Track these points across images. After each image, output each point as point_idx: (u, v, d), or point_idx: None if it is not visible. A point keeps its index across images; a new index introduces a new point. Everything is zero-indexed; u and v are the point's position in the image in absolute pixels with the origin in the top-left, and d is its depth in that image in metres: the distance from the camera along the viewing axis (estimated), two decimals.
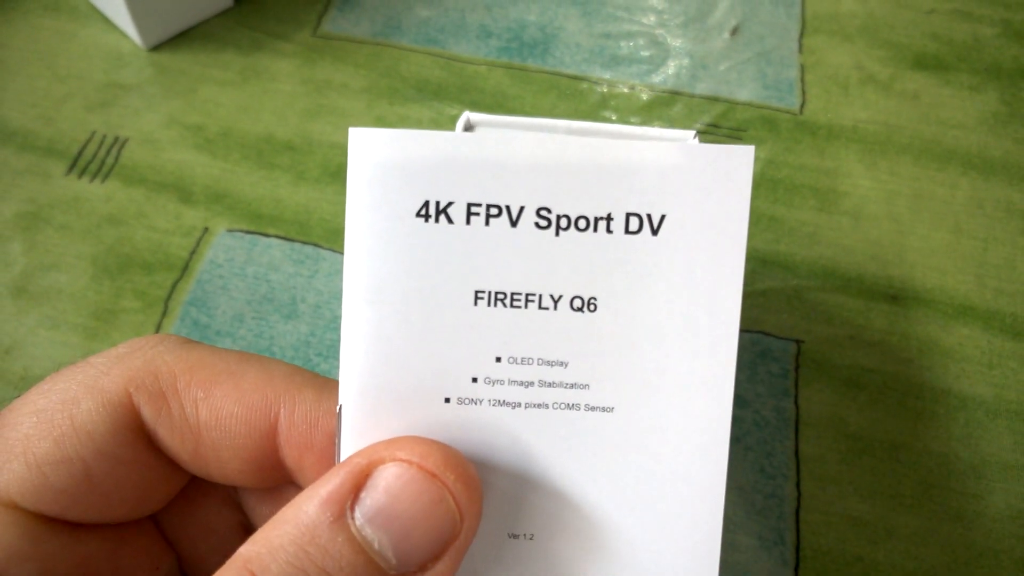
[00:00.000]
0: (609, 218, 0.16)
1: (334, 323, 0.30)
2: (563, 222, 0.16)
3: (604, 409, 0.16)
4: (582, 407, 0.16)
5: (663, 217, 0.16)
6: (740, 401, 0.28)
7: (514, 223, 0.16)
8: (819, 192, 0.33)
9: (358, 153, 0.16)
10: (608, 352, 0.16)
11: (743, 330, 0.30)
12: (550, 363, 0.16)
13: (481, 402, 0.16)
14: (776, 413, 0.28)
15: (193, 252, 0.32)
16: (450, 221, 0.16)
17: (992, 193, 0.33)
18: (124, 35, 0.38)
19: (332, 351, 0.29)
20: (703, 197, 0.16)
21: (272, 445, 0.17)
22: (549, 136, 0.16)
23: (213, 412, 0.17)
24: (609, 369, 0.16)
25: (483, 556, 0.16)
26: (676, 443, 0.16)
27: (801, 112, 0.35)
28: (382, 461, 0.14)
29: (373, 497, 0.14)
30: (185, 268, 0.31)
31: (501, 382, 0.16)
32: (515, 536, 0.16)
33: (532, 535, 0.16)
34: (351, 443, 0.16)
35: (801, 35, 0.38)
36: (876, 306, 0.30)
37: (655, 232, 0.16)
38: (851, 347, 0.29)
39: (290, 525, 0.14)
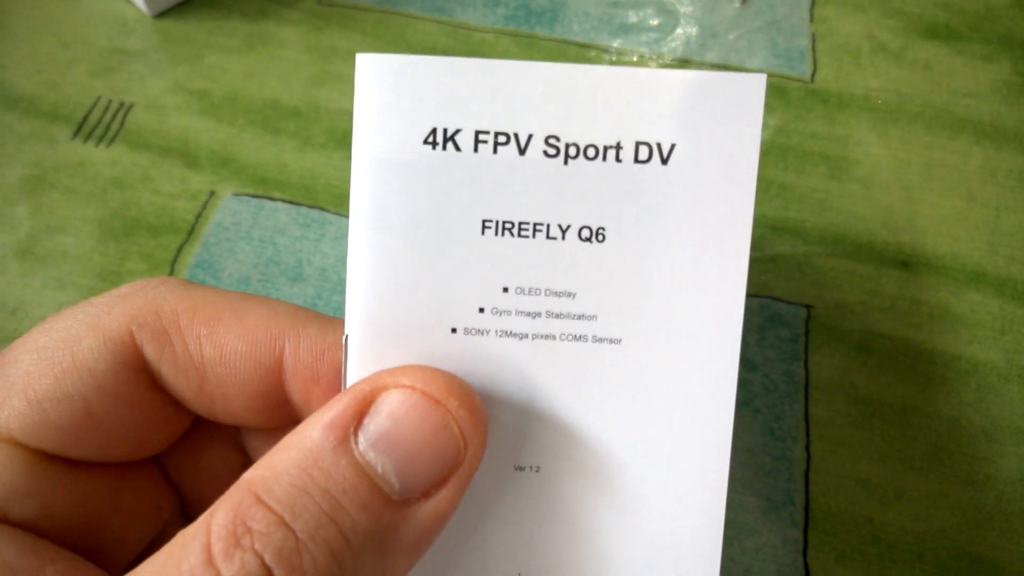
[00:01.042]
0: (618, 147, 0.15)
1: (340, 286, 0.30)
2: (572, 151, 0.15)
3: (612, 341, 0.16)
4: (589, 338, 0.16)
5: (673, 146, 0.15)
6: (749, 365, 0.28)
7: (522, 151, 0.15)
8: (830, 160, 0.33)
9: (365, 79, 0.15)
10: (616, 283, 0.16)
11: (751, 294, 0.29)
12: (557, 294, 0.16)
13: (488, 332, 0.16)
14: (786, 377, 0.28)
15: (199, 215, 0.31)
16: (457, 149, 0.15)
17: (1005, 162, 0.33)
18: (129, 2, 0.38)
19: (339, 314, 0.29)
20: (714, 126, 0.15)
21: (278, 381, 0.17)
22: (559, 64, 0.16)
23: (217, 349, 0.16)
24: (617, 300, 0.16)
25: (489, 487, 0.16)
26: (684, 377, 0.16)
27: (812, 80, 0.35)
28: (386, 387, 0.14)
29: (376, 422, 0.14)
30: (191, 231, 0.31)
31: (508, 312, 0.16)
32: (521, 468, 0.16)
33: (538, 467, 0.16)
34: (357, 372, 0.16)
35: (812, 4, 0.38)
36: (887, 272, 0.30)
37: (665, 162, 0.15)
38: (861, 312, 0.29)
39: (294, 450, 0.14)
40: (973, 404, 0.27)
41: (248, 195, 0.32)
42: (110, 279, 0.30)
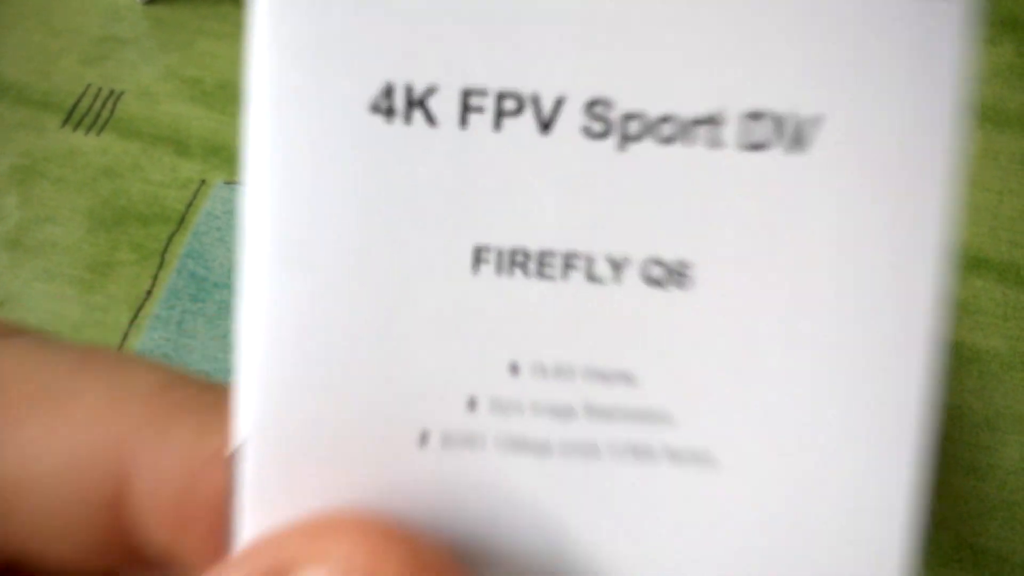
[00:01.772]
0: (716, 120, 0.09)
1: None
2: (633, 127, 0.09)
3: (700, 459, 0.09)
4: (661, 454, 0.09)
5: (818, 119, 0.09)
6: None
7: (546, 126, 0.09)
8: None
9: (269, 9, 0.09)
10: (710, 358, 0.09)
11: None
12: (606, 376, 0.10)
13: (483, 443, 0.09)
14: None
15: (190, 204, 0.31)
16: (431, 120, 0.09)
17: (1007, 145, 0.32)
18: None
19: None
20: (888, 85, 0.09)
21: (120, 514, 0.10)
22: None
23: (18, 461, 0.10)
24: (711, 388, 0.09)
25: None
26: (831, 524, 0.09)
27: None
28: (296, 566, 0.08)
29: None
30: (181, 221, 0.31)
31: (518, 408, 0.09)
32: None
33: None
34: (256, 514, 0.09)
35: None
36: None
37: (801, 146, 0.09)
38: None
39: None
40: (975, 392, 0.27)
41: (239, 183, 0.32)
42: (100, 270, 0.30)
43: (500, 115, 0.09)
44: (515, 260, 0.09)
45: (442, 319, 0.09)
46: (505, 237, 0.09)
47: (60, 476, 0.10)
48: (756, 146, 0.09)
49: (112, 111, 0.34)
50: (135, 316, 0.29)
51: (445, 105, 0.09)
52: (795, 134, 0.09)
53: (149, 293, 0.30)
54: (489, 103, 0.09)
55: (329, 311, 0.09)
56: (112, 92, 0.34)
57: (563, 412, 0.10)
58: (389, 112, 0.09)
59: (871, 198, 0.09)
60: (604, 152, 0.09)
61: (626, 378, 0.10)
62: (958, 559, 0.24)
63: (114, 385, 0.10)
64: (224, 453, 0.10)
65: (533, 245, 0.09)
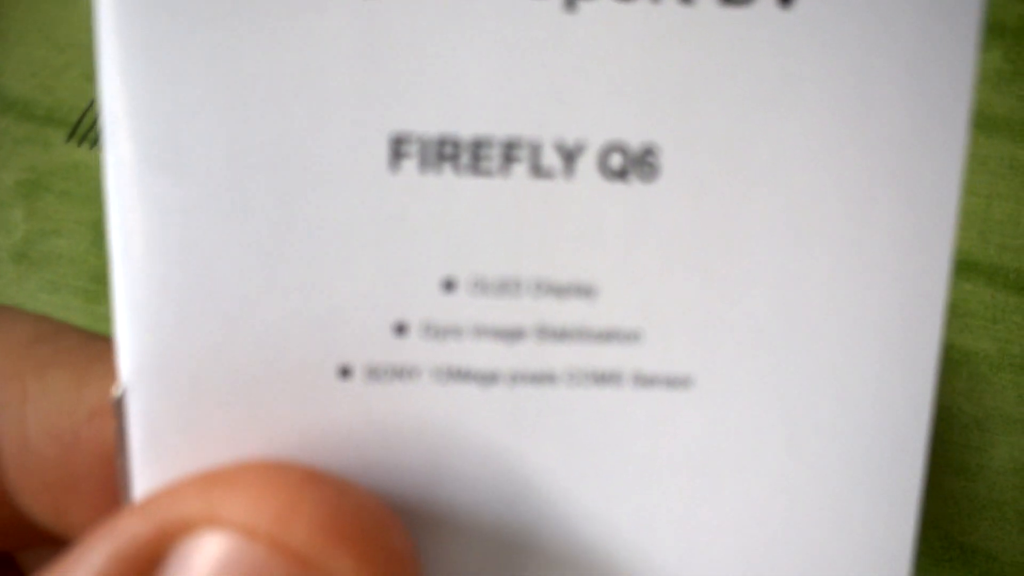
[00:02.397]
0: None
1: None
2: None
3: (672, 382, 0.08)
4: (627, 378, 0.08)
5: None
6: None
7: None
8: None
9: None
10: (680, 264, 0.08)
11: None
12: (559, 289, 0.08)
13: (416, 374, 0.08)
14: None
15: None
16: None
17: (996, 150, 0.33)
18: None
19: None
20: None
21: None
22: None
23: None
24: (682, 300, 0.08)
25: None
26: (818, 451, 0.08)
27: None
28: (187, 528, 0.07)
29: None
30: None
31: (458, 332, 0.08)
32: None
33: None
34: (146, 469, 0.08)
35: None
36: None
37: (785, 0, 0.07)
38: None
39: None
40: (964, 394, 0.27)
41: None
42: (103, 281, 0.30)
43: None
44: (443, 152, 0.08)
45: (355, 229, 0.08)
46: (429, 123, 0.08)
47: None
48: (737, 0, 0.07)
49: None
50: None
51: None
52: None
53: None
54: None
55: (215, 223, 0.08)
56: None
57: (510, 334, 0.08)
58: None
59: (876, 68, 0.08)
60: (549, 10, 0.07)
61: (584, 292, 0.08)
62: (948, 558, 0.25)
63: None
64: (106, 405, 0.08)
65: (464, 132, 0.08)
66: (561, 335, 0.08)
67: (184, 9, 0.07)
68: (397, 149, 0.07)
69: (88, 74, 0.35)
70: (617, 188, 0.08)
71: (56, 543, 0.09)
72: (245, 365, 0.08)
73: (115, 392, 0.08)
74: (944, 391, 0.27)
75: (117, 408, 0.08)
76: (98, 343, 0.09)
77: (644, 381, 0.08)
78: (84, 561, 0.07)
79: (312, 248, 0.08)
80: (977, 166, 0.32)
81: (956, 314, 0.29)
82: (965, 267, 0.30)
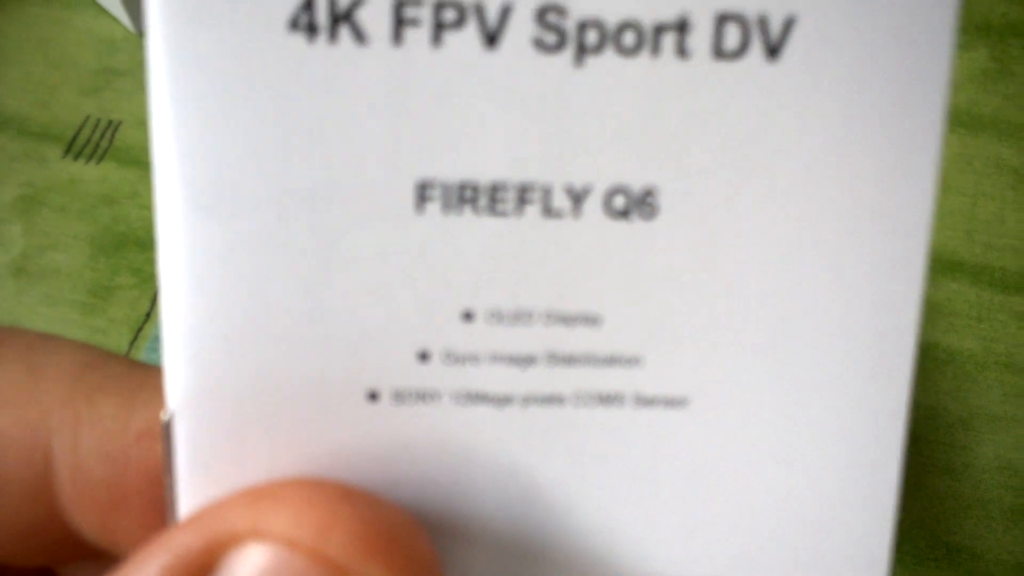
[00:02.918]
0: (682, 27, 0.08)
1: None
2: (590, 37, 0.08)
3: (670, 403, 0.09)
4: (629, 399, 0.09)
5: (790, 22, 0.08)
6: None
7: (492, 39, 0.08)
8: None
9: None
10: (679, 293, 0.09)
11: None
12: (568, 319, 0.09)
13: (438, 397, 0.09)
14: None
15: None
16: (360, 37, 0.08)
17: (981, 149, 0.33)
18: (116, 21, 0.38)
19: None
20: None
21: (49, 504, 0.10)
22: None
23: None
24: (680, 328, 0.09)
25: None
26: (806, 464, 0.09)
27: None
28: (236, 539, 0.08)
29: None
30: None
31: (474, 358, 0.09)
32: None
33: None
34: (193, 488, 0.09)
35: None
36: None
37: (773, 53, 0.08)
38: None
39: None
40: (950, 393, 0.28)
41: None
42: (101, 294, 0.31)
43: (439, 28, 0.08)
44: (463, 196, 0.08)
45: (385, 265, 0.08)
46: (451, 170, 0.08)
47: None
48: (728, 54, 0.08)
49: (111, 140, 0.35)
50: (135, 337, 0.30)
51: (376, 18, 0.08)
52: (767, 41, 0.08)
53: (148, 315, 0.31)
54: (426, 14, 0.08)
55: (254, 262, 0.08)
56: (111, 122, 0.35)
57: (523, 360, 0.09)
58: (311, 28, 0.08)
59: (855, 116, 0.08)
60: (559, 67, 0.08)
61: (590, 321, 0.09)
62: (933, 557, 0.25)
63: (33, 364, 0.10)
64: (156, 426, 0.09)
65: (482, 177, 0.08)
66: (569, 360, 0.09)
67: (232, 62, 0.08)
68: (422, 193, 0.08)
69: (83, 90, 0.36)
70: (620, 226, 0.09)
71: (97, 558, 0.10)
72: (283, 391, 0.09)
73: (163, 417, 0.09)
74: (929, 390, 0.28)
75: (165, 431, 0.09)
76: (141, 371, 0.10)
77: (644, 402, 0.09)
78: (142, 571, 0.07)
79: (345, 283, 0.09)
80: (963, 165, 0.32)
81: (941, 313, 0.29)
82: (950, 266, 0.30)
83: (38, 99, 0.36)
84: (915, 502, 0.26)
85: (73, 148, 0.35)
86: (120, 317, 0.30)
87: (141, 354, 0.30)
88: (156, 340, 0.30)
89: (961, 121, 0.34)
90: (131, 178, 0.34)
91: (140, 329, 0.30)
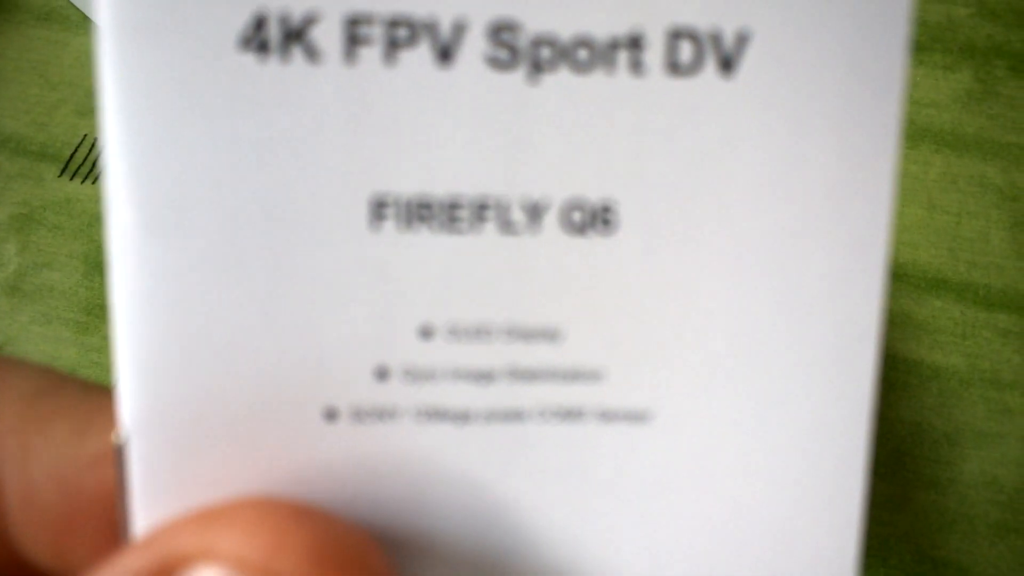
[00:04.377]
0: (637, 43, 0.08)
1: None
2: (544, 53, 0.08)
3: (632, 417, 0.09)
4: (590, 414, 0.09)
5: (744, 38, 0.08)
6: None
7: (446, 56, 0.08)
8: None
9: None
10: (638, 307, 0.09)
11: None
12: (527, 334, 0.09)
13: (397, 414, 0.09)
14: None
15: None
16: (312, 55, 0.08)
17: (966, 169, 0.33)
18: None
19: None
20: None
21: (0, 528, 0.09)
22: None
23: None
24: (640, 341, 0.09)
25: None
26: (775, 474, 0.09)
27: None
28: (187, 561, 0.07)
29: None
30: None
31: (432, 375, 0.09)
32: None
33: None
34: (146, 510, 0.08)
35: None
36: None
37: (728, 68, 0.08)
38: None
39: None
40: (935, 409, 0.28)
41: None
42: (95, 312, 0.31)
43: (392, 46, 0.08)
44: (419, 213, 0.08)
45: (340, 283, 0.08)
46: (406, 187, 0.08)
47: None
48: (683, 70, 0.08)
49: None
50: None
51: (328, 36, 0.08)
52: (722, 56, 0.08)
53: None
54: (379, 32, 0.08)
55: (207, 282, 0.08)
56: None
57: (483, 377, 0.09)
58: (262, 48, 0.08)
59: (809, 129, 0.08)
60: (513, 84, 0.08)
61: (550, 336, 0.09)
62: (919, 572, 0.25)
63: None
64: (107, 450, 0.09)
65: (438, 194, 0.08)
66: (530, 376, 0.09)
67: (182, 82, 0.08)
68: (378, 211, 0.08)
69: (80, 110, 0.36)
70: (578, 242, 0.09)
71: None
72: (238, 411, 0.08)
73: (116, 440, 0.08)
74: (914, 407, 0.28)
75: (118, 455, 0.08)
76: (96, 396, 0.10)
77: (607, 416, 0.09)
78: None
79: (300, 301, 0.08)
80: (947, 185, 0.33)
81: (926, 331, 0.29)
82: (935, 284, 0.30)
83: (35, 119, 0.36)
84: (901, 517, 0.26)
85: (69, 167, 0.35)
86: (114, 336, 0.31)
87: None
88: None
89: (946, 141, 0.34)
90: None
91: None
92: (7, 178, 0.35)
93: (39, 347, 0.30)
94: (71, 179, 0.35)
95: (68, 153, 0.35)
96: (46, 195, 0.34)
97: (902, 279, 0.31)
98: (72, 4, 0.40)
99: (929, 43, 0.37)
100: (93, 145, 0.36)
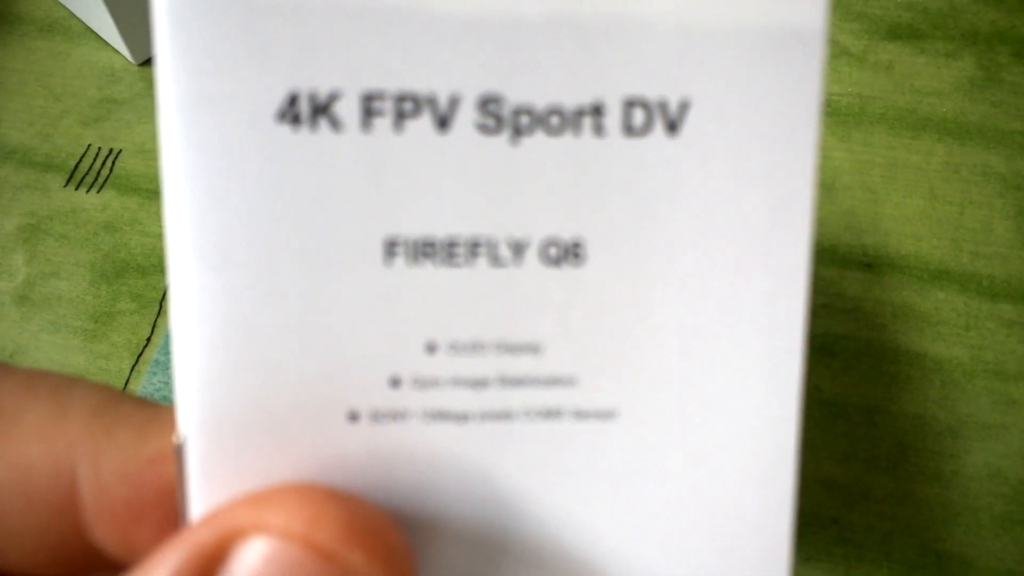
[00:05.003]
0: (598, 111, 0.10)
1: None
2: (524, 120, 0.10)
3: (602, 414, 0.11)
4: (567, 414, 0.11)
5: (686, 106, 0.10)
6: None
7: (444, 124, 0.10)
8: None
9: (172, 19, 0.10)
10: (604, 326, 0.11)
11: None
12: (513, 348, 0.11)
13: (407, 416, 0.10)
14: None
15: None
16: (336, 126, 0.10)
17: (968, 157, 0.33)
18: (116, 52, 0.39)
19: None
20: (751, 70, 0.10)
21: (74, 522, 0.11)
22: None
23: None
24: (607, 352, 0.11)
25: None
26: (718, 464, 0.11)
27: None
28: (242, 533, 0.09)
29: None
30: None
31: (436, 383, 0.10)
32: None
33: None
34: (201, 500, 0.10)
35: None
36: (850, 274, 0.30)
37: (673, 130, 0.10)
38: (825, 315, 0.29)
39: None
40: (938, 401, 0.28)
41: None
42: (103, 320, 0.32)
43: (400, 117, 0.10)
44: (424, 251, 0.10)
45: (360, 308, 0.10)
46: (414, 228, 0.10)
47: (11, 488, 0.11)
48: (637, 132, 0.10)
49: (111, 169, 0.36)
50: (136, 362, 0.31)
51: (348, 110, 0.10)
52: (668, 120, 0.10)
53: (149, 340, 0.31)
54: (389, 106, 0.10)
55: (252, 307, 0.10)
56: (111, 151, 0.36)
57: (478, 384, 0.11)
58: (295, 120, 0.10)
59: (740, 178, 0.10)
60: (498, 146, 0.10)
61: (532, 349, 0.11)
62: (923, 565, 0.25)
63: (59, 403, 0.11)
64: (167, 452, 0.11)
65: (439, 233, 0.10)
66: (517, 383, 0.11)
67: (231, 147, 0.10)
68: (390, 250, 0.10)
69: (84, 121, 0.37)
70: (554, 272, 0.11)
71: (115, 571, 0.12)
72: (276, 414, 0.10)
73: (176, 441, 0.10)
74: (917, 400, 0.28)
75: (178, 453, 0.10)
76: (151, 409, 0.12)
77: (581, 415, 0.11)
78: (163, 561, 0.09)
79: (326, 323, 0.10)
80: (950, 174, 0.32)
81: (929, 322, 0.29)
82: (937, 275, 0.30)
83: (40, 130, 0.37)
84: (905, 510, 0.26)
85: (75, 177, 0.35)
86: (121, 343, 0.31)
87: (142, 378, 0.30)
88: (157, 364, 0.30)
89: (948, 130, 0.34)
90: (131, 206, 0.34)
91: (141, 354, 0.31)
92: (14, 189, 0.35)
93: (49, 355, 0.31)
94: (76, 189, 0.35)
95: (73, 163, 0.36)
96: (52, 205, 0.35)
97: (905, 271, 0.30)
98: (75, 15, 0.40)
99: (931, 30, 0.37)
100: (97, 155, 0.36)
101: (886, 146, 0.33)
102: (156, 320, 0.31)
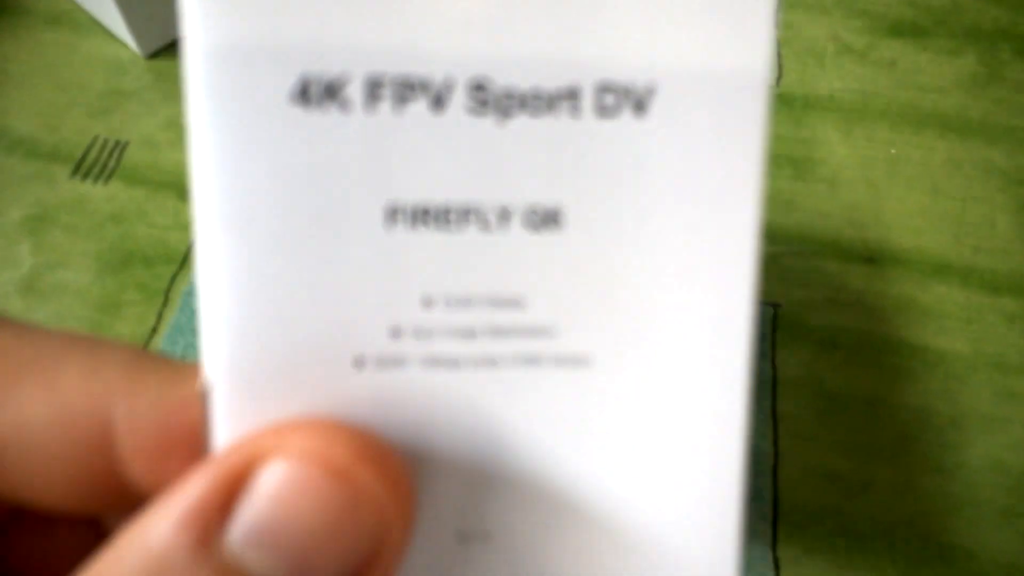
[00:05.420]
0: (574, 95, 0.11)
1: None
2: (509, 103, 0.11)
3: (577, 361, 0.12)
4: (547, 360, 0.12)
5: (651, 90, 0.12)
6: None
7: (438, 106, 0.11)
8: (795, 161, 0.33)
9: (197, 12, 0.11)
10: (579, 282, 0.12)
11: None
12: (499, 302, 0.12)
13: (406, 363, 0.12)
14: (753, 375, 0.28)
15: (191, 245, 0.33)
16: (343, 107, 0.11)
17: (970, 153, 0.33)
18: (123, 44, 0.39)
19: None
20: (707, 57, 0.11)
21: (108, 458, 0.12)
22: None
23: (14, 420, 0.12)
24: (582, 306, 0.12)
25: (423, 568, 0.12)
26: (677, 404, 0.12)
27: (777, 85, 0.36)
28: (265, 457, 0.11)
29: (255, 509, 0.10)
30: (184, 260, 0.33)
31: (432, 333, 0.12)
32: (465, 538, 0.12)
33: (488, 534, 0.12)
34: (225, 435, 0.12)
35: (778, 10, 0.38)
36: (853, 268, 0.30)
37: (640, 111, 0.12)
38: (827, 309, 0.30)
39: (132, 556, 0.10)
40: (940, 394, 0.28)
41: None
42: (108, 310, 0.32)
43: (400, 99, 0.11)
44: (421, 215, 0.12)
45: (365, 267, 0.12)
46: (412, 196, 0.12)
47: (51, 429, 0.12)
48: (608, 115, 0.12)
49: (118, 161, 0.36)
50: None
51: (353, 94, 0.11)
52: (636, 103, 0.12)
53: (155, 330, 0.31)
54: (389, 90, 0.11)
55: (271, 266, 0.11)
56: (118, 143, 0.36)
57: (468, 333, 0.12)
58: (307, 101, 0.11)
59: (698, 155, 0.12)
60: (487, 126, 0.12)
61: (516, 303, 0.12)
62: (925, 557, 0.25)
63: (95, 355, 0.12)
64: (193, 397, 0.12)
65: (435, 201, 0.12)
66: (503, 333, 0.12)
67: (252, 125, 0.11)
68: (391, 215, 0.12)
69: (90, 112, 0.37)
70: (535, 236, 0.12)
71: (139, 507, 0.12)
72: (292, 361, 0.12)
73: (201, 387, 0.12)
74: (919, 392, 0.28)
75: (203, 398, 0.12)
76: (176, 363, 0.13)
77: (559, 362, 0.12)
78: (195, 481, 0.10)
79: (335, 280, 0.12)
80: (952, 169, 0.33)
81: (931, 316, 0.29)
82: (939, 269, 0.30)
83: (47, 121, 0.37)
84: (907, 502, 0.26)
85: (81, 168, 0.35)
86: (127, 333, 0.31)
87: None
88: (163, 354, 0.31)
89: (950, 126, 0.34)
90: (138, 197, 0.34)
91: (147, 344, 0.31)
92: (21, 180, 0.35)
93: None
94: (83, 180, 0.35)
95: (79, 154, 0.36)
96: (59, 196, 0.35)
97: (906, 265, 0.31)
98: (82, 8, 0.41)
99: (933, 27, 0.37)
100: (104, 146, 0.36)
101: (888, 141, 0.34)
102: (162, 311, 0.31)
